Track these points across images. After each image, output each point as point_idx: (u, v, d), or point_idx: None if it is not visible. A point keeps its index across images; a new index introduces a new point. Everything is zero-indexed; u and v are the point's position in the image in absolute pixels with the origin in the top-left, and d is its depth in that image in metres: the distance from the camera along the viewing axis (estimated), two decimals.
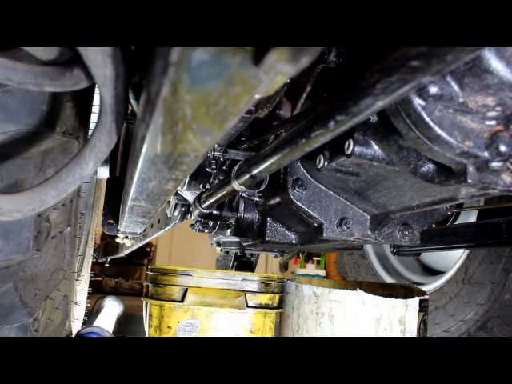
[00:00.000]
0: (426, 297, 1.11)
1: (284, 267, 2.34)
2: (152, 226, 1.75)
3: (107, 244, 2.99)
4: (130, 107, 0.63)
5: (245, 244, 1.25)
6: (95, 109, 0.97)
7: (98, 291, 3.40)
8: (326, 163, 0.65)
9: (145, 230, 1.57)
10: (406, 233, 0.86)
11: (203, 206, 0.99)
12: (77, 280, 1.62)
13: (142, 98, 0.48)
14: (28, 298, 0.86)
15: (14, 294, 0.93)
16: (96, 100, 0.81)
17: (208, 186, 1.07)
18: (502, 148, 0.48)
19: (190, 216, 1.31)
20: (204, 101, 0.34)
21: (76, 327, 1.68)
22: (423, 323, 1.08)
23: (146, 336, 1.19)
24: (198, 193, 1.07)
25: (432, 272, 2.35)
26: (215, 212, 1.07)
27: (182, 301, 1.11)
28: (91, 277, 1.85)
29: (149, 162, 0.51)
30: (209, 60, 0.29)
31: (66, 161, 0.53)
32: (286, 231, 1.01)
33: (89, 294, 1.84)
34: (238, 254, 1.41)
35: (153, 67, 0.35)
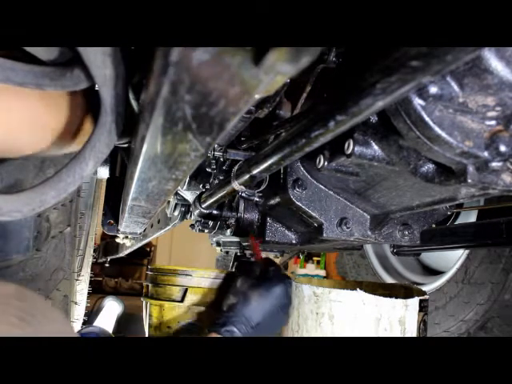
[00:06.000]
0: (426, 297, 1.11)
1: (284, 267, 2.34)
2: (152, 226, 1.74)
3: (107, 244, 2.98)
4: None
5: (245, 244, 1.25)
6: None
7: (97, 291, 3.40)
8: (325, 163, 0.65)
9: (145, 230, 1.56)
10: (406, 233, 0.86)
11: (203, 206, 0.99)
12: (77, 280, 1.62)
13: (142, 98, 0.48)
14: None
15: None
16: None
17: (208, 186, 1.07)
18: (502, 148, 0.48)
19: (190, 216, 1.31)
20: (204, 101, 0.34)
21: (76, 327, 1.68)
22: (423, 323, 1.08)
23: (146, 336, 1.19)
24: (198, 193, 1.07)
25: (432, 272, 2.35)
26: (215, 212, 1.07)
27: (181, 301, 1.11)
28: (91, 277, 1.85)
29: (149, 161, 0.51)
30: (209, 60, 0.29)
31: (66, 161, 0.53)
32: (286, 231, 1.01)
33: (89, 293, 1.84)
34: (238, 253, 1.41)
35: (153, 67, 0.35)
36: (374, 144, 0.59)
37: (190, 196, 1.19)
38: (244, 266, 1.23)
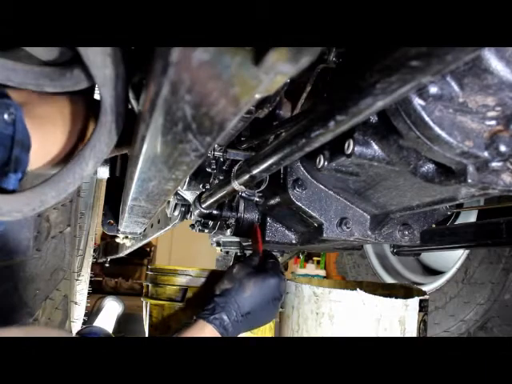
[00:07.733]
0: (426, 297, 1.11)
1: (284, 267, 2.34)
2: (152, 226, 1.74)
3: (107, 244, 2.98)
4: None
5: (245, 244, 1.25)
6: None
7: (97, 291, 3.40)
8: (325, 163, 0.65)
9: (145, 230, 1.57)
10: (406, 233, 0.86)
11: (203, 206, 0.99)
12: (77, 280, 1.62)
13: (142, 98, 0.48)
14: (28, 298, 0.86)
15: (14, 294, 0.93)
16: None
17: (208, 186, 1.07)
18: (502, 148, 0.48)
19: (190, 216, 1.31)
20: (204, 101, 0.34)
21: (76, 327, 1.68)
22: (423, 323, 1.08)
23: (146, 336, 1.19)
24: (198, 193, 1.07)
25: (432, 272, 2.35)
26: (215, 212, 1.07)
27: (181, 301, 1.11)
28: (91, 277, 1.86)
29: (149, 161, 0.51)
30: (209, 60, 0.29)
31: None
32: (286, 231, 1.01)
33: (89, 293, 1.84)
34: (238, 254, 1.41)
35: (153, 67, 0.35)
36: (373, 144, 0.59)
37: (189, 196, 1.19)
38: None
